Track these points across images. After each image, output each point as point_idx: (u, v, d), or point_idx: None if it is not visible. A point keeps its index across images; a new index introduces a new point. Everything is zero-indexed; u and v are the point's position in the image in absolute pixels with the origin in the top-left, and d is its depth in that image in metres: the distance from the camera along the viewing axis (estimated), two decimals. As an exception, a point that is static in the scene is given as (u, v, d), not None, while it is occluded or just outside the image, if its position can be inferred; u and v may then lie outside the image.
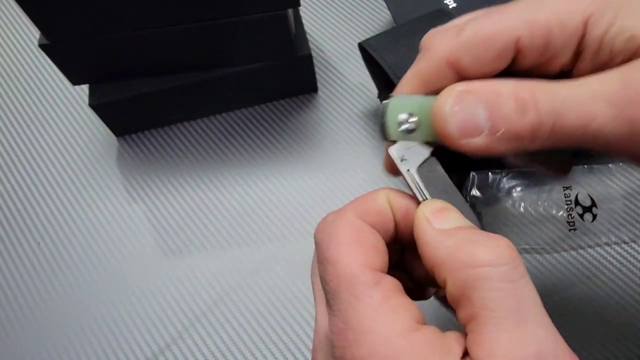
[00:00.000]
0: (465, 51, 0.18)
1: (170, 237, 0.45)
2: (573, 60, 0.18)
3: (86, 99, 0.47)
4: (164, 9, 0.40)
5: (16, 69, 0.57)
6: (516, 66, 0.19)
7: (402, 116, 0.19)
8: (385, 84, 0.47)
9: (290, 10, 0.43)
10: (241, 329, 0.40)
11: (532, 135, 0.16)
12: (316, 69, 0.52)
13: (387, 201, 0.20)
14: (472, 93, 0.17)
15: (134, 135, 0.51)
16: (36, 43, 0.58)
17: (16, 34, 0.60)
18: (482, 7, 0.50)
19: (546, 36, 0.17)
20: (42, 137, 0.52)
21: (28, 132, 0.52)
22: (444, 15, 0.42)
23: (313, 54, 0.50)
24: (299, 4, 0.42)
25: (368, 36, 0.45)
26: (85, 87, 0.51)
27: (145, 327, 0.41)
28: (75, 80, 0.46)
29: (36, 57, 0.58)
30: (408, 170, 0.20)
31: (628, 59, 0.15)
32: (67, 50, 0.42)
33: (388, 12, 0.55)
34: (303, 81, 0.51)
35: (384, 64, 0.40)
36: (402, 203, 0.20)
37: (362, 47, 0.43)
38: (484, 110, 0.17)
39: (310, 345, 0.39)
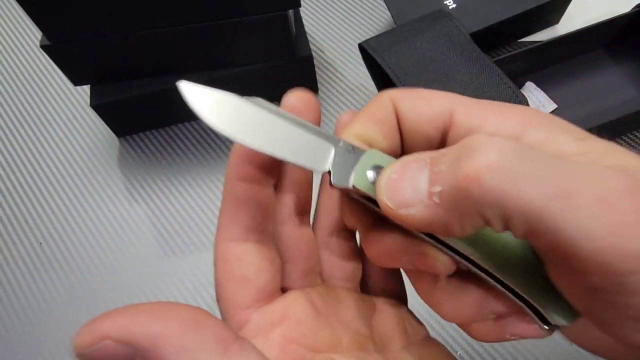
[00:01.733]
0: (406, 98, 0.18)
1: (171, 237, 0.45)
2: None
3: (87, 100, 0.47)
4: (165, 10, 0.40)
5: (18, 69, 0.57)
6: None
7: (371, 172, 0.16)
8: (385, 85, 0.47)
9: (290, 11, 0.43)
10: (241, 329, 0.40)
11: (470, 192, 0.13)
12: (316, 70, 0.52)
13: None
14: (418, 161, 0.15)
15: (135, 136, 0.51)
16: (38, 44, 0.58)
17: (18, 35, 0.60)
18: (481, 7, 0.50)
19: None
20: (43, 138, 0.52)
21: (29, 132, 0.53)
22: (443, 16, 0.42)
23: (313, 54, 0.50)
24: (299, 5, 0.42)
25: (368, 37, 0.45)
26: (86, 88, 0.51)
27: (145, 327, 0.41)
28: (76, 80, 0.46)
29: (38, 57, 0.58)
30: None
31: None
32: (68, 51, 0.42)
33: (388, 13, 0.55)
34: (303, 81, 0.51)
35: (384, 65, 0.41)
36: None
37: (363, 48, 0.43)
38: (425, 174, 0.14)
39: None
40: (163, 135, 0.51)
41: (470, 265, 0.16)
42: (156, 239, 0.45)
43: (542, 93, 0.47)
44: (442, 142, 0.18)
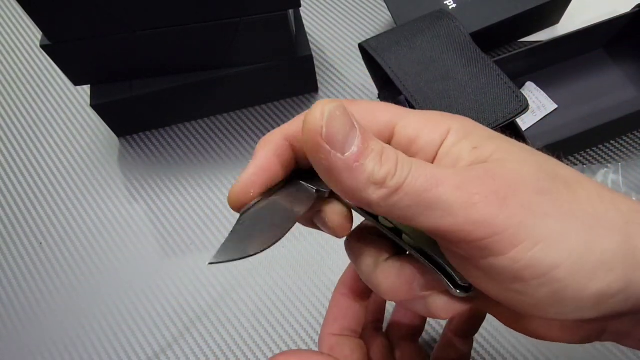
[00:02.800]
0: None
1: (171, 236, 0.45)
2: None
3: (88, 100, 0.47)
4: (165, 10, 0.40)
5: (18, 69, 0.57)
6: None
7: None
8: (386, 85, 0.47)
9: (290, 11, 0.43)
10: (242, 329, 0.40)
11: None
12: (316, 69, 0.52)
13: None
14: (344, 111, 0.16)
15: (135, 136, 0.51)
16: (38, 44, 0.58)
17: (18, 35, 0.60)
18: (481, 7, 0.50)
19: (411, 138, 0.19)
20: (43, 138, 0.52)
21: (30, 132, 0.53)
22: (444, 16, 0.42)
23: (313, 54, 0.50)
24: (299, 5, 0.42)
25: (368, 37, 0.45)
26: (86, 88, 0.51)
27: (145, 327, 0.41)
28: (77, 80, 0.46)
29: (38, 58, 0.58)
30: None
31: (470, 164, 0.17)
32: (68, 51, 0.42)
33: (388, 13, 0.55)
34: (303, 81, 0.51)
35: (384, 65, 0.41)
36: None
37: (363, 48, 0.43)
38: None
39: (310, 345, 0.39)
40: (163, 135, 0.51)
41: (395, 238, 0.20)
42: (156, 239, 0.45)
43: (542, 93, 0.47)
44: None
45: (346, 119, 0.16)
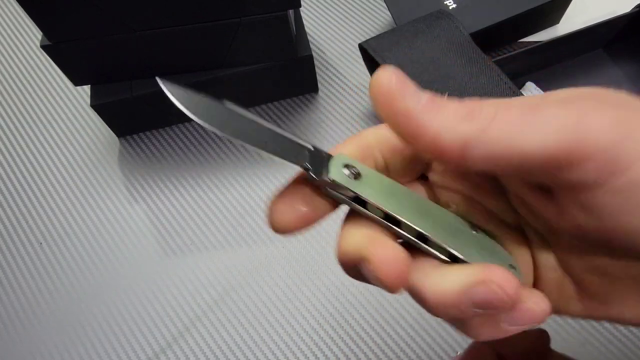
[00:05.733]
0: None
1: (171, 237, 0.45)
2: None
3: (88, 100, 0.47)
4: (165, 10, 0.40)
5: (18, 69, 0.57)
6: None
7: (345, 169, 0.18)
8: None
9: (290, 11, 0.43)
10: (241, 329, 0.40)
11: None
12: (316, 70, 0.52)
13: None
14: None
15: (135, 136, 0.51)
16: (38, 44, 0.58)
17: (18, 35, 0.60)
18: (481, 8, 0.50)
19: None
20: (43, 138, 0.52)
21: (30, 132, 0.53)
22: (444, 16, 0.42)
23: (313, 54, 0.50)
24: (299, 5, 0.42)
25: (368, 37, 0.45)
26: (87, 88, 0.51)
27: (145, 327, 0.41)
28: (77, 81, 0.46)
29: (38, 58, 0.58)
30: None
31: None
32: (68, 51, 0.42)
33: (388, 13, 0.55)
34: (303, 81, 0.51)
35: (385, 65, 0.41)
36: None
37: (363, 48, 0.43)
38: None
39: (310, 345, 0.39)
40: (163, 135, 0.51)
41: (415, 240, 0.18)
42: (156, 239, 0.45)
43: (542, 93, 0.47)
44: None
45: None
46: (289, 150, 0.17)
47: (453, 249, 0.18)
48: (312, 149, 0.18)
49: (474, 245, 0.18)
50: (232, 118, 0.17)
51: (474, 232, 0.19)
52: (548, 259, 0.18)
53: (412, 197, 0.19)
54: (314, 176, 0.17)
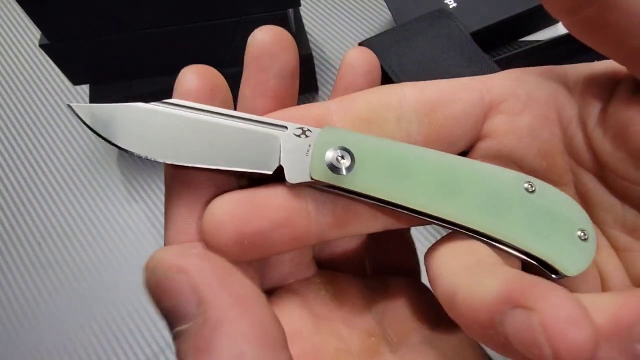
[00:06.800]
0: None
1: (171, 237, 0.45)
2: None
3: (87, 100, 0.47)
4: (165, 9, 0.40)
5: (17, 69, 0.57)
6: None
7: (331, 152, 0.14)
8: (386, 84, 0.47)
9: (290, 11, 0.43)
10: (241, 329, 0.40)
11: None
12: (316, 69, 0.52)
13: None
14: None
15: (134, 136, 0.51)
16: (37, 43, 0.58)
17: (17, 35, 0.60)
18: (482, 7, 0.50)
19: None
20: (42, 138, 0.52)
21: (29, 132, 0.52)
22: (444, 16, 0.42)
23: (313, 54, 0.50)
24: (299, 4, 0.42)
25: (369, 36, 0.45)
26: (85, 88, 0.51)
27: (145, 327, 0.41)
28: (75, 80, 0.46)
29: (37, 57, 0.58)
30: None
31: None
32: (67, 50, 0.42)
33: (389, 13, 0.55)
34: (303, 81, 0.50)
35: (385, 65, 0.41)
36: None
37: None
38: None
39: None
40: (163, 135, 0.51)
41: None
42: (156, 239, 0.45)
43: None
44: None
45: None
46: (248, 154, 0.13)
47: (487, 230, 0.13)
48: (289, 129, 0.14)
49: (524, 215, 0.14)
50: (163, 129, 0.13)
51: (527, 191, 0.14)
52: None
53: (431, 165, 0.14)
54: (288, 181, 0.13)
